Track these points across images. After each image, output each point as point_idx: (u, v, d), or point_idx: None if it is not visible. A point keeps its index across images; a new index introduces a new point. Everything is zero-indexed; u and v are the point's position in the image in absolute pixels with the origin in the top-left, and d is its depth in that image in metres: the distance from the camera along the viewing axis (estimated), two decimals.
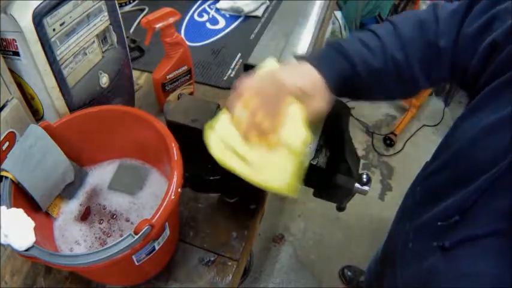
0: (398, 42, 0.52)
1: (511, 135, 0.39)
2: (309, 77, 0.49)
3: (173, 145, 0.53)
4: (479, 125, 0.44)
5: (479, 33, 0.47)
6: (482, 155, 0.43)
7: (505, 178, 0.39)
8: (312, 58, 0.51)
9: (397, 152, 2.04)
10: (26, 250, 0.44)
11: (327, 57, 0.52)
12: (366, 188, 0.55)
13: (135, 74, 0.89)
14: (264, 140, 0.48)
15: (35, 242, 0.44)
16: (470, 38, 0.48)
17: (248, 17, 1.10)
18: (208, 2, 1.15)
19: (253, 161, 0.48)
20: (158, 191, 0.62)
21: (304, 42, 1.01)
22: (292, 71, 0.50)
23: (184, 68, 0.80)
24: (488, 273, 0.41)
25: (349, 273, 1.57)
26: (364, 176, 0.55)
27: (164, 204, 0.46)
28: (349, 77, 0.52)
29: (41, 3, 0.52)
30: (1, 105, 0.56)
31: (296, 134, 0.48)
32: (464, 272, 0.43)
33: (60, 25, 0.56)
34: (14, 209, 0.47)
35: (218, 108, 0.64)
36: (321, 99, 0.49)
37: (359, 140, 2.09)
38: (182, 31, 1.06)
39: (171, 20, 0.72)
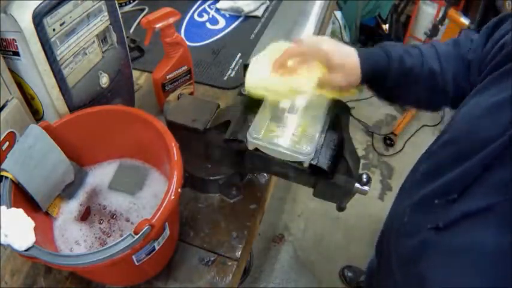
0: (436, 55, 0.59)
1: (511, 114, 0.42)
2: (345, 54, 0.57)
3: (173, 145, 0.53)
4: (483, 105, 0.47)
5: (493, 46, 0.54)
6: (484, 131, 0.45)
7: (506, 152, 0.41)
8: (357, 46, 0.59)
9: (397, 152, 2.04)
10: (26, 250, 0.44)
11: (369, 49, 0.59)
12: (366, 188, 0.55)
13: (135, 74, 0.89)
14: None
15: (35, 242, 0.44)
16: (487, 51, 0.55)
17: (248, 17, 1.10)
18: (208, 2, 1.15)
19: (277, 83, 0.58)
20: (158, 191, 0.62)
21: None
22: (335, 44, 0.57)
23: (184, 68, 0.80)
24: (488, 244, 0.41)
25: (349, 273, 1.57)
26: (364, 176, 0.55)
27: (164, 204, 0.46)
28: (382, 69, 0.57)
29: (41, 3, 0.52)
30: (1, 105, 0.56)
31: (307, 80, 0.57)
32: (459, 245, 0.44)
33: (60, 25, 0.56)
34: (14, 209, 0.47)
35: (218, 107, 0.65)
36: (344, 77, 0.56)
37: (359, 140, 2.09)
38: (182, 31, 1.05)
39: (171, 20, 0.72)
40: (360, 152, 2.05)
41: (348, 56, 0.57)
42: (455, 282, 0.43)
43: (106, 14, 0.64)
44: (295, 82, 0.57)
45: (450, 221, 0.45)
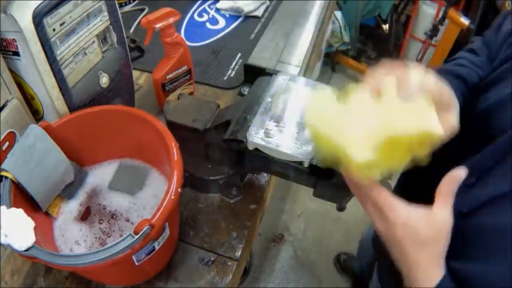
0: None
1: None
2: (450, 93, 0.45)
3: (173, 145, 0.53)
4: (500, 95, 0.48)
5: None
6: (500, 121, 0.46)
7: None
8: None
9: None
10: (26, 250, 0.44)
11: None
12: None
13: (135, 74, 0.89)
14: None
15: (35, 242, 0.44)
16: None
17: (248, 17, 1.10)
18: (208, 2, 1.15)
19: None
20: (158, 191, 0.62)
21: (304, 42, 1.01)
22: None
23: (184, 68, 0.80)
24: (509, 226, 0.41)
25: (344, 256, 1.59)
26: None
27: (164, 204, 0.46)
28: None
29: (41, 3, 0.52)
30: (1, 105, 0.56)
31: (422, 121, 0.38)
32: (485, 228, 0.44)
33: (60, 25, 0.56)
34: (14, 209, 0.47)
35: (218, 107, 0.65)
36: (454, 116, 0.44)
37: None
38: (182, 31, 1.05)
39: (171, 20, 0.72)
40: None
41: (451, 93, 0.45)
42: (479, 265, 0.43)
43: (106, 14, 0.64)
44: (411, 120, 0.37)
45: (476, 205, 0.45)
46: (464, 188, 0.44)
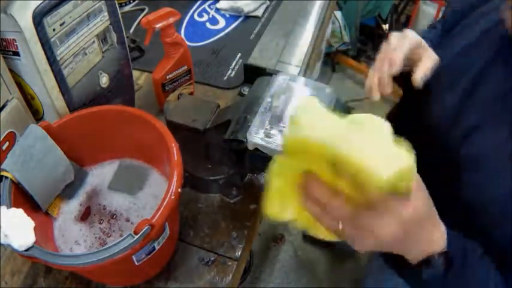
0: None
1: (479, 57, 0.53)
2: None
3: (173, 145, 0.53)
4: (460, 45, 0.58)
5: None
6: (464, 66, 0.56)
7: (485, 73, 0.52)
8: None
9: None
10: (26, 250, 0.44)
11: None
12: None
13: (135, 74, 0.89)
14: None
15: (35, 242, 0.44)
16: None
17: (248, 17, 1.10)
18: (208, 2, 1.15)
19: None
20: (158, 191, 0.62)
21: (304, 42, 1.01)
22: None
23: (184, 68, 0.80)
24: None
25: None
26: None
27: (164, 204, 0.46)
28: None
29: (41, 3, 0.52)
30: (1, 105, 0.56)
31: None
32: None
33: (60, 25, 0.56)
34: (14, 209, 0.47)
35: (218, 107, 0.65)
36: (433, 53, 0.56)
37: None
38: (182, 31, 1.05)
39: (171, 20, 0.72)
40: None
41: None
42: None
43: (106, 14, 0.64)
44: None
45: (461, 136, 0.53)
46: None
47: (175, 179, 0.49)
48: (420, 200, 0.39)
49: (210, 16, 1.11)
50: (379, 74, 0.55)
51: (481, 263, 0.46)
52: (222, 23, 1.09)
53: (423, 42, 0.55)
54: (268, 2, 1.13)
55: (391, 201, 0.37)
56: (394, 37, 0.56)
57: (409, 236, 0.40)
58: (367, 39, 2.53)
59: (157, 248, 0.50)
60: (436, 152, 0.55)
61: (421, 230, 0.41)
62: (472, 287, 0.45)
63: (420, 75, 0.51)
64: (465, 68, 0.55)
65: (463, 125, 0.53)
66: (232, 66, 0.95)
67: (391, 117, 0.65)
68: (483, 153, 0.50)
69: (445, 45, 0.61)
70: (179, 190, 0.48)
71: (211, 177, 0.67)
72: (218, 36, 1.04)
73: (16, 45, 0.54)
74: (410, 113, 0.61)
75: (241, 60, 0.96)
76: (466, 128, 0.53)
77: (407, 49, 0.53)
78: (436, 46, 0.59)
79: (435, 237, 0.43)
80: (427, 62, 0.52)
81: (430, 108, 0.58)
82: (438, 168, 0.53)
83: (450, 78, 0.56)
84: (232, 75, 0.93)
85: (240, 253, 0.62)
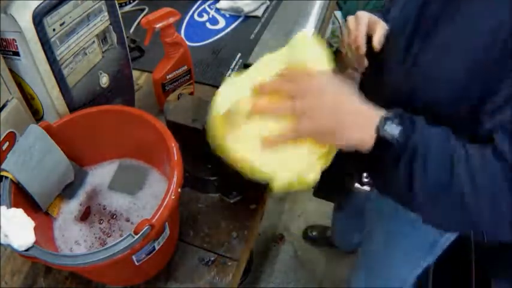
0: None
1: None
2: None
3: (173, 145, 0.53)
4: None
5: None
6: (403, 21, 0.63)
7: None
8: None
9: None
10: (26, 250, 0.44)
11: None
12: (366, 188, 0.55)
13: (135, 74, 0.89)
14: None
15: (35, 242, 0.44)
16: None
17: (248, 17, 1.10)
18: (208, 2, 1.15)
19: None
20: (158, 191, 0.62)
21: None
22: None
23: (184, 68, 0.80)
24: None
25: (313, 233, 1.60)
26: (365, 176, 0.55)
27: (164, 204, 0.46)
28: None
29: (41, 3, 0.52)
30: (1, 105, 0.56)
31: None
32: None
33: (60, 25, 0.56)
34: (14, 209, 0.47)
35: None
36: (383, 23, 0.65)
37: None
38: (182, 31, 1.05)
39: (171, 20, 0.72)
40: None
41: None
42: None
43: (106, 14, 0.64)
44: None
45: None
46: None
47: (175, 179, 0.49)
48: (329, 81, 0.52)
49: (210, 16, 1.11)
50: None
51: (433, 128, 0.49)
52: (222, 23, 1.09)
53: (373, 16, 0.66)
54: (268, 2, 1.13)
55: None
56: (351, 23, 0.68)
57: (339, 123, 0.49)
58: (367, 39, 2.53)
59: (157, 248, 0.50)
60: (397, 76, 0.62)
61: (349, 116, 0.49)
62: (433, 153, 0.47)
63: (377, 41, 0.63)
64: (408, 14, 0.61)
65: (415, 47, 0.59)
66: (232, 66, 0.95)
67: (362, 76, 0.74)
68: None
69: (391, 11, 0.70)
70: (179, 190, 0.48)
71: (211, 177, 0.67)
72: (218, 36, 1.04)
73: (16, 45, 0.54)
74: (375, 67, 0.68)
75: (241, 60, 0.96)
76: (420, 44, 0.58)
77: (364, 30, 0.65)
78: (384, 14, 0.69)
79: (366, 123, 0.49)
80: (380, 30, 0.64)
81: (390, 58, 0.65)
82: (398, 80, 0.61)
83: (399, 28, 0.63)
84: (232, 75, 0.93)
85: (240, 253, 0.62)
